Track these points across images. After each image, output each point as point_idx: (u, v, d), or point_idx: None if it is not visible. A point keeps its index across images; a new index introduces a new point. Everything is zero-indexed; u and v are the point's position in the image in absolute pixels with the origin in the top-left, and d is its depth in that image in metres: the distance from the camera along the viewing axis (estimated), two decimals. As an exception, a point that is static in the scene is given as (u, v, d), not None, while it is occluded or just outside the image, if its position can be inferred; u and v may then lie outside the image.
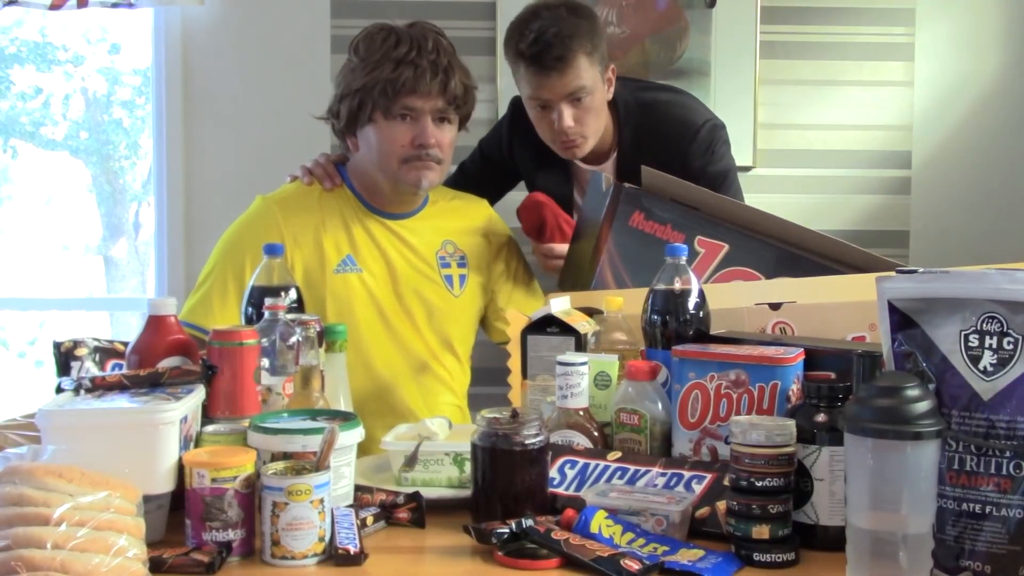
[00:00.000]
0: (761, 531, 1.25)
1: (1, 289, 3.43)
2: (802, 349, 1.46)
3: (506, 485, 1.36)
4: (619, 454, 1.46)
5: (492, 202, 2.28)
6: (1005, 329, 1.14)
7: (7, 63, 3.39)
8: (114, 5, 2.99)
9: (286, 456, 1.31)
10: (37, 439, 1.31)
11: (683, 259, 1.58)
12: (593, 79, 2.11)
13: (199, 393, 1.40)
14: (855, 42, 3.08)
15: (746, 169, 2.95)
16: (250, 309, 1.67)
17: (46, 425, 1.26)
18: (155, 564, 1.19)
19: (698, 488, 1.36)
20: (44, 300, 3.47)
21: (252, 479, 1.27)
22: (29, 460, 1.22)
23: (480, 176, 2.38)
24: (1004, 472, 1.14)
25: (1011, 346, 1.14)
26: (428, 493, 1.45)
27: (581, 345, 1.63)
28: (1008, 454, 1.13)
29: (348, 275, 2.00)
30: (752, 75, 3.05)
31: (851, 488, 1.14)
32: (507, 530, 1.27)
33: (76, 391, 1.36)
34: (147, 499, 1.23)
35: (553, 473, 1.43)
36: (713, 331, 1.57)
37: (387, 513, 1.40)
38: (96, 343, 1.65)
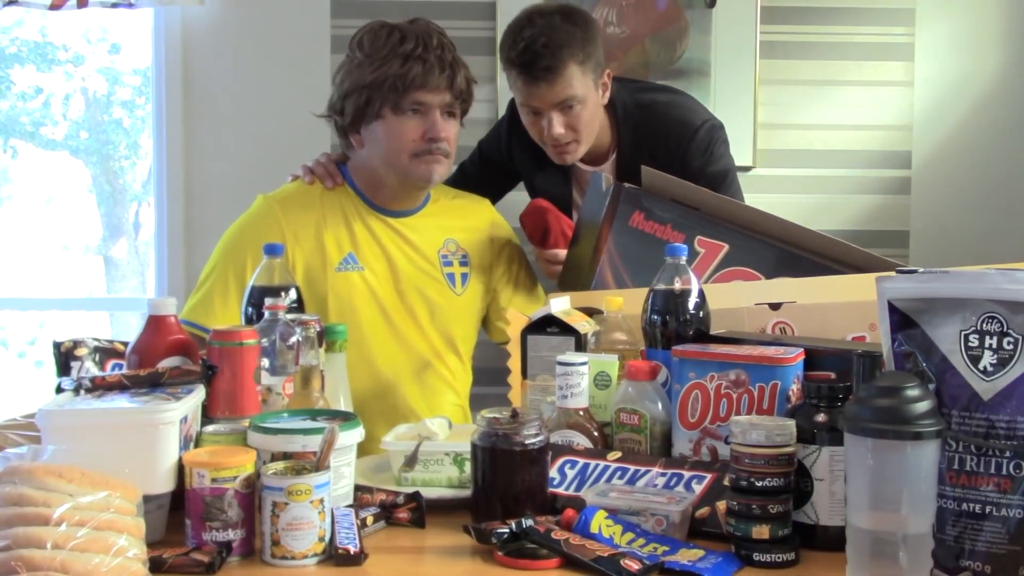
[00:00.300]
0: (761, 531, 1.25)
1: (1, 289, 3.43)
2: (802, 349, 1.46)
3: (506, 485, 1.36)
4: (619, 454, 1.46)
5: (492, 203, 2.28)
6: (1005, 329, 1.14)
7: (7, 63, 3.39)
8: (114, 5, 2.99)
9: (286, 456, 1.31)
10: (37, 439, 1.31)
11: (683, 259, 1.58)
12: (584, 88, 2.10)
13: (199, 393, 1.40)
14: (855, 42, 3.08)
15: (746, 169, 2.95)
16: (250, 309, 1.67)
17: (46, 425, 1.26)
18: (155, 564, 1.19)
19: (698, 488, 1.36)
20: (44, 300, 3.47)
21: (252, 479, 1.27)
22: (29, 460, 1.22)
23: (480, 177, 2.38)
24: (1004, 472, 1.14)
25: (1011, 346, 1.14)
26: (428, 493, 1.45)
27: (581, 345, 1.63)
28: (1008, 454, 1.13)
29: (350, 273, 2.00)
30: (752, 75, 3.05)
31: (851, 488, 1.14)
32: (507, 530, 1.27)
33: (76, 391, 1.36)
34: (147, 499, 1.23)
35: (553, 473, 1.43)
36: (713, 331, 1.57)
37: (387, 513, 1.40)
38: (96, 343, 1.65)
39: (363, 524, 1.34)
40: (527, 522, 1.28)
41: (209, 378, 1.44)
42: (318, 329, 1.58)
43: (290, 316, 1.57)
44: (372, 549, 1.28)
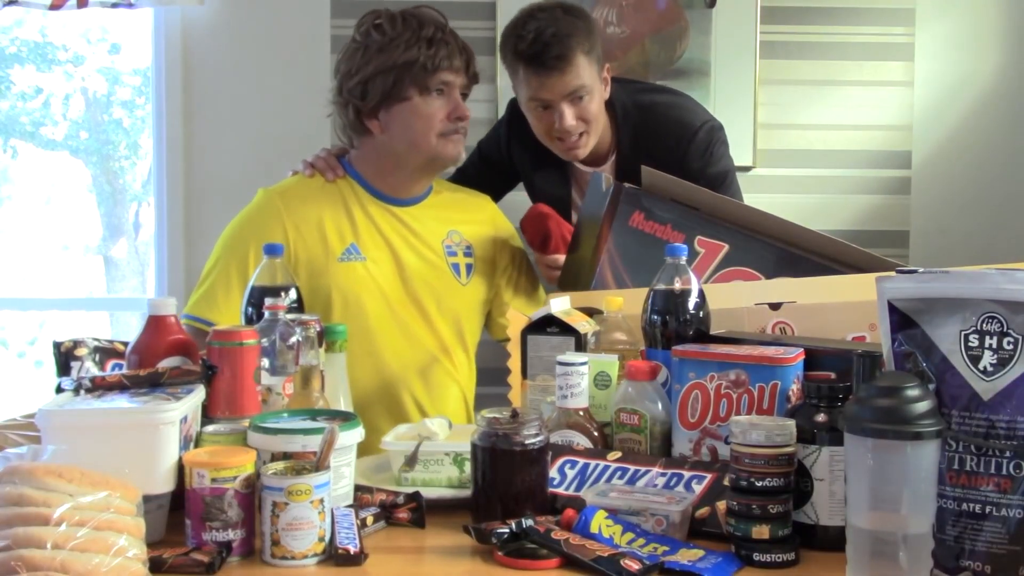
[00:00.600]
0: (761, 531, 1.25)
1: (1, 289, 3.43)
2: (802, 349, 1.46)
3: (506, 485, 1.36)
4: (619, 454, 1.46)
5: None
6: (1005, 329, 1.14)
7: (7, 63, 3.39)
8: (114, 5, 2.99)
9: (286, 456, 1.31)
10: (37, 439, 1.31)
11: (683, 259, 1.58)
12: (592, 78, 2.11)
13: (199, 393, 1.40)
14: (855, 42, 3.08)
15: (746, 169, 2.95)
16: (250, 309, 1.67)
17: (46, 425, 1.26)
18: (155, 564, 1.19)
19: (698, 488, 1.36)
20: (44, 300, 3.47)
21: (252, 479, 1.27)
22: (29, 460, 1.22)
23: (479, 177, 2.38)
24: (1004, 472, 1.14)
25: (1011, 346, 1.14)
26: (428, 493, 1.45)
27: (581, 345, 1.63)
28: (1008, 454, 1.13)
29: (353, 264, 2.00)
30: (752, 75, 3.05)
31: (851, 488, 1.14)
32: (507, 530, 1.27)
33: (76, 391, 1.36)
34: (147, 499, 1.24)
35: (553, 473, 1.43)
36: (713, 331, 1.57)
37: (387, 513, 1.40)
38: (96, 343, 1.65)
39: (363, 524, 1.34)
40: (527, 522, 1.28)
41: (209, 378, 1.44)
42: (318, 329, 1.58)
43: (290, 316, 1.57)
44: (372, 549, 1.28)
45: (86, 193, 3.54)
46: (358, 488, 1.44)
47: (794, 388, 1.42)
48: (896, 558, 1.11)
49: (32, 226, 3.51)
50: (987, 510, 1.15)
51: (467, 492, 1.43)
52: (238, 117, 3.06)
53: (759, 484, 1.25)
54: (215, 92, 3.05)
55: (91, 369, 1.60)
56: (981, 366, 1.15)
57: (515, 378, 1.71)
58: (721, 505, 1.31)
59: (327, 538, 1.26)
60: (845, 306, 1.63)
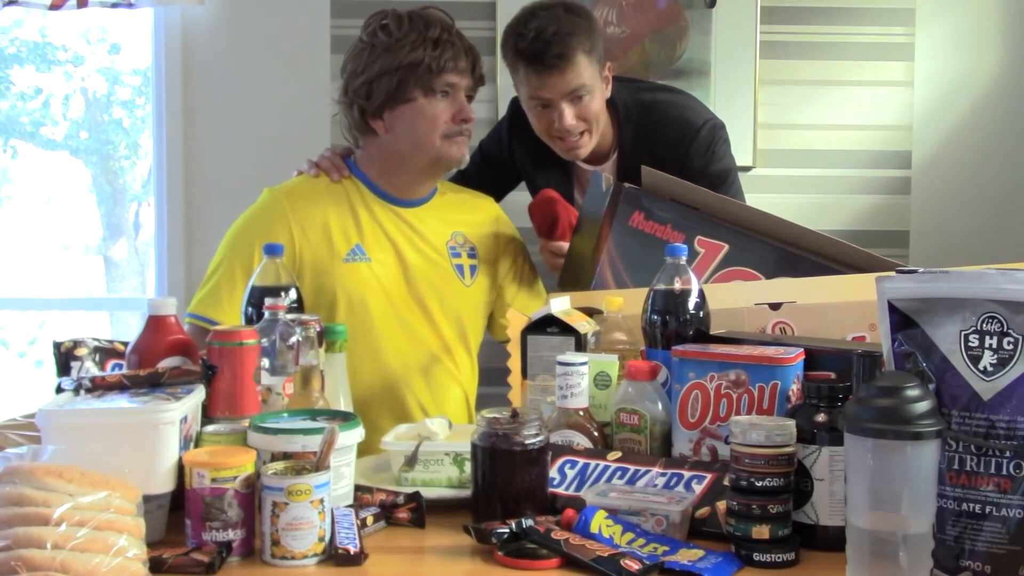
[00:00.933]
0: (761, 531, 1.25)
1: (1, 289, 3.43)
2: (802, 349, 1.46)
3: (506, 485, 1.36)
4: (619, 454, 1.46)
5: (494, 202, 2.28)
6: (1005, 329, 1.14)
7: (7, 63, 3.39)
8: (114, 5, 2.99)
9: (286, 456, 1.31)
10: (37, 439, 1.31)
11: (683, 259, 1.58)
12: (592, 77, 2.11)
13: (199, 393, 1.40)
14: (855, 42, 3.08)
15: (746, 169, 2.95)
16: (250, 309, 1.67)
17: (46, 425, 1.26)
18: (155, 564, 1.19)
19: (698, 488, 1.36)
20: (44, 300, 3.47)
21: (252, 479, 1.27)
22: (29, 460, 1.22)
23: (481, 177, 2.37)
24: (1004, 472, 1.14)
25: (1011, 346, 1.14)
26: (428, 493, 1.45)
27: (581, 345, 1.63)
28: (1008, 454, 1.13)
29: (358, 264, 2.00)
30: (752, 75, 3.05)
31: (851, 488, 1.14)
32: (507, 530, 1.27)
33: (76, 391, 1.36)
34: (147, 499, 1.24)
35: (553, 473, 1.43)
36: (713, 331, 1.57)
37: (387, 513, 1.40)
38: (96, 343, 1.65)
39: (363, 524, 1.34)
40: (527, 522, 1.28)
41: (209, 378, 1.44)
42: (318, 329, 1.58)
43: (290, 316, 1.57)
44: (372, 549, 1.28)
45: (86, 193, 3.54)
46: (358, 488, 1.44)
47: (794, 388, 1.42)
48: (896, 558, 1.11)
49: (32, 226, 3.51)
50: (987, 510, 1.15)
51: (467, 492, 1.43)
52: (238, 117, 3.06)
53: (759, 484, 1.25)
54: (215, 92, 3.05)
55: (91, 369, 1.60)
56: (981, 366, 1.15)
57: (515, 378, 1.71)
58: (721, 505, 1.31)
59: (327, 538, 1.26)
60: (845, 306, 1.63)
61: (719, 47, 3.04)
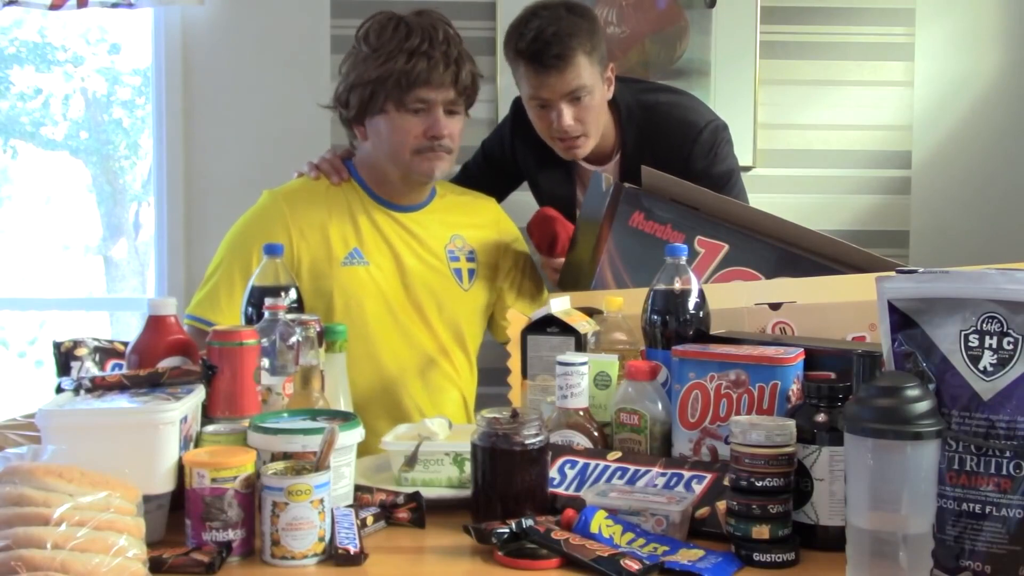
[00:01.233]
0: (761, 531, 1.25)
1: (1, 289, 3.43)
2: (802, 349, 1.46)
3: (506, 485, 1.36)
4: (619, 454, 1.46)
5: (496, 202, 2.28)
6: (1005, 329, 1.14)
7: (7, 63, 3.39)
8: (114, 5, 2.99)
9: (286, 456, 1.31)
10: (37, 439, 1.31)
11: (683, 259, 1.58)
12: (592, 78, 2.11)
13: (199, 393, 1.40)
14: (855, 42, 3.08)
15: (746, 169, 2.94)
16: (250, 309, 1.67)
17: (46, 425, 1.26)
18: (155, 564, 1.19)
19: (698, 488, 1.36)
20: (44, 300, 3.47)
21: (252, 479, 1.27)
22: (29, 460, 1.22)
23: (483, 177, 2.38)
24: (1004, 472, 1.14)
25: (1011, 346, 1.14)
26: (428, 493, 1.45)
27: (581, 345, 1.63)
28: (1008, 454, 1.13)
29: (355, 268, 2.00)
30: (752, 75, 3.05)
31: (851, 488, 1.14)
32: (507, 530, 1.27)
33: (76, 391, 1.36)
34: (147, 499, 1.24)
35: (553, 473, 1.43)
36: (713, 331, 1.57)
37: (387, 513, 1.40)
38: (96, 343, 1.65)
39: (363, 524, 1.34)
40: (527, 522, 1.28)
41: (209, 378, 1.44)
42: (318, 329, 1.58)
43: (290, 316, 1.57)
44: (372, 549, 1.28)
45: (86, 193, 3.53)
46: (358, 488, 1.44)
47: (794, 388, 1.42)
48: (896, 558, 1.11)
49: (32, 226, 3.51)
50: (987, 510, 1.15)
51: (467, 492, 1.43)
52: (238, 117, 3.06)
53: (759, 484, 1.25)
54: (215, 92, 3.05)
55: (91, 369, 1.60)
56: (981, 366, 1.15)
57: (515, 378, 1.71)
58: (721, 505, 1.31)
59: (327, 538, 1.26)
60: (845, 306, 1.63)
61: (719, 47, 3.04)
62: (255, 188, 2.11)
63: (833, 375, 1.41)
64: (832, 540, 1.25)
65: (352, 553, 1.24)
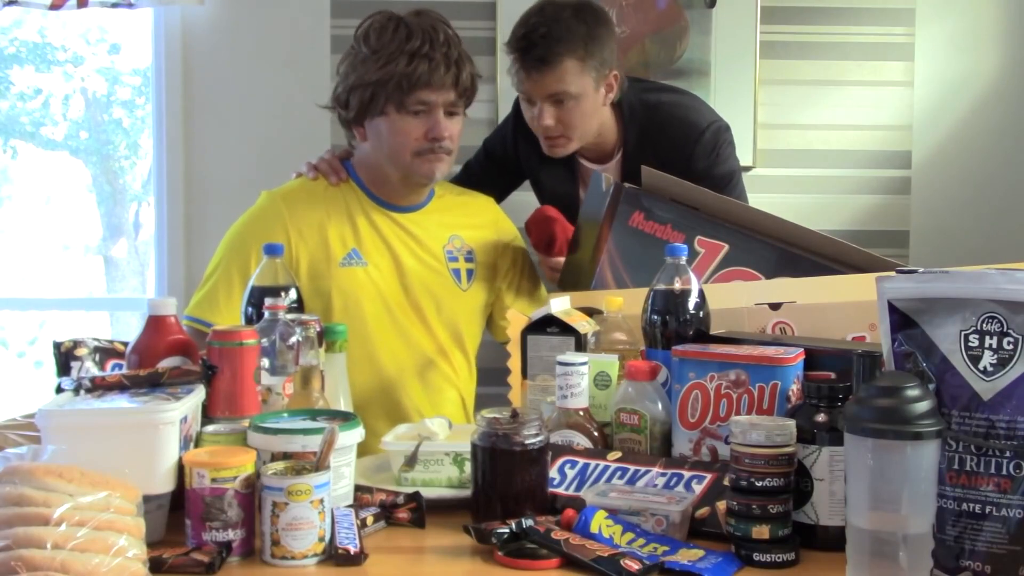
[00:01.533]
0: (761, 531, 1.25)
1: (1, 289, 3.43)
2: (802, 349, 1.46)
3: (506, 485, 1.36)
4: (619, 454, 1.46)
5: (498, 201, 2.27)
6: (1005, 329, 1.14)
7: (7, 63, 3.39)
8: (114, 5, 2.99)
9: (286, 456, 1.31)
10: (37, 439, 1.31)
11: (683, 259, 1.58)
12: (580, 86, 2.09)
13: (199, 393, 1.40)
14: (855, 42, 3.08)
15: (746, 169, 2.94)
16: (250, 309, 1.67)
17: (46, 425, 1.26)
18: (155, 564, 1.19)
19: (698, 488, 1.36)
20: (44, 300, 3.47)
21: (252, 479, 1.27)
22: (29, 460, 1.22)
23: (485, 175, 2.38)
24: (1004, 472, 1.14)
25: (1011, 346, 1.14)
26: (428, 493, 1.45)
27: (581, 345, 1.63)
28: (1008, 454, 1.13)
29: (354, 269, 2.00)
30: (752, 75, 3.05)
31: (851, 488, 1.14)
32: (507, 530, 1.27)
33: (76, 391, 1.36)
34: (147, 499, 1.23)
35: (553, 473, 1.43)
36: (713, 331, 1.57)
37: (387, 513, 1.40)
38: (96, 343, 1.65)
39: (363, 524, 1.34)
40: (527, 522, 1.28)
41: (209, 378, 1.44)
42: (318, 329, 1.58)
43: (290, 316, 1.57)
44: (372, 549, 1.28)
45: (86, 193, 3.54)
46: (358, 488, 1.44)
47: (794, 388, 1.42)
48: (896, 558, 1.11)
49: (32, 226, 3.51)
50: (987, 510, 1.15)
51: (467, 492, 1.43)
52: (238, 117, 3.06)
53: (759, 484, 1.25)
54: (215, 92, 3.05)
55: (91, 369, 1.60)
56: (981, 366, 1.15)
57: (515, 378, 1.71)
58: (721, 505, 1.31)
59: (327, 538, 1.26)
60: (845, 306, 1.63)
61: (719, 47, 3.04)
62: (255, 188, 2.11)
63: (833, 375, 1.41)
64: (832, 540, 1.25)
65: (352, 553, 1.24)
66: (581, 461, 1.45)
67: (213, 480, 1.25)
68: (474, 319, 2.12)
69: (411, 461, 1.53)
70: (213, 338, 1.47)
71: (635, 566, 1.18)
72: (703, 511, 1.33)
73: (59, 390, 1.40)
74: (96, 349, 1.64)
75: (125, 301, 3.48)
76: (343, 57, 2.03)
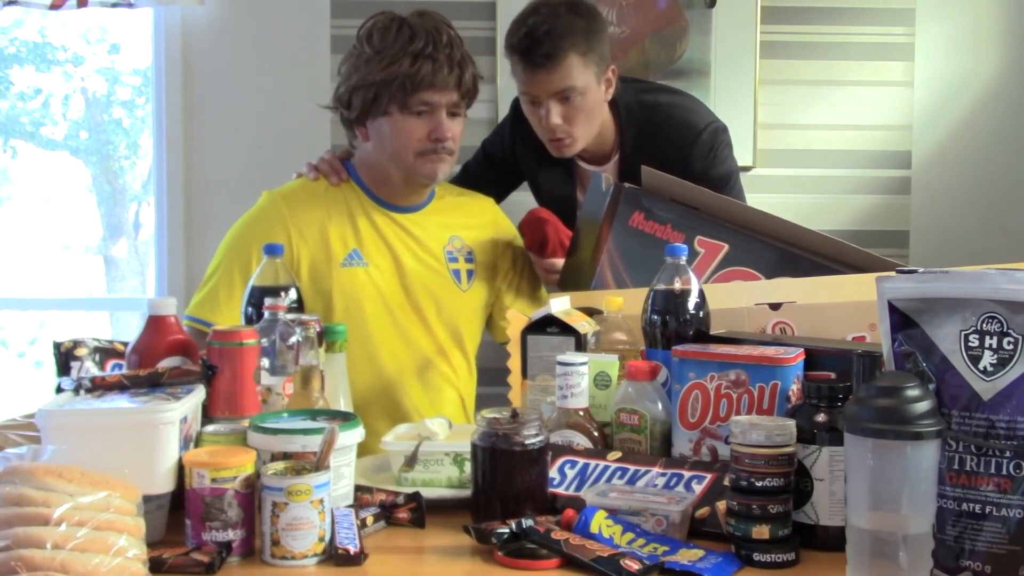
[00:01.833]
0: (761, 531, 1.25)
1: (1, 289, 3.43)
2: (802, 349, 1.46)
3: (506, 485, 1.36)
4: (619, 454, 1.46)
5: (497, 202, 2.27)
6: (1005, 329, 1.14)
7: (7, 63, 3.39)
8: (114, 5, 2.99)
9: (286, 456, 1.31)
10: (37, 439, 1.31)
11: (683, 259, 1.58)
12: (585, 80, 2.10)
13: (199, 393, 1.40)
14: (855, 42, 3.08)
15: (746, 169, 2.95)
16: (250, 309, 1.67)
17: (46, 425, 1.26)
18: (155, 564, 1.19)
19: (698, 488, 1.36)
20: (44, 300, 3.47)
21: (252, 479, 1.27)
22: (29, 460, 1.22)
23: (484, 176, 2.38)
24: (1004, 472, 1.14)
25: (1011, 346, 1.14)
26: (428, 493, 1.45)
27: (581, 345, 1.62)
28: (1008, 454, 1.13)
29: (355, 269, 2.00)
30: (752, 75, 3.05)
31: (851, 488, 1.14)
32: (507, 530, 1.27)
33: (76, 391, 1.36)
34: (147, 499, 1.23)
35: (553, 473, 1.43)
36: (713, 331, 1.57)
37: (387, 513, 1.40)
38: (96, 343, 1.65)
39: (363, 524, 1.34)
40: (527, 522, 1.28)
41: (209, 378, 1.44)
42: (318, 329, 1.58)
43: (290, 316, 1.57)
44: (372, 549, 1.28)
45: (86, 193, 3.54)
46: (358, 488, 1.44)
47: (794, 388, 1.42)
48: (896, 558, 1.11)
49: (32, 226, 3.51)
50: (987, 510, 1.15)
51: (467, 492, 1.43)
52: (238, 117, 3.06)
53: (759, 484, 1.25)
54: (215, 92, 3.06)
55: (91, 369, 1.60)
56: (981, 366, 1.15)
57: (515, 378, 1.71)
58: (721, 505, 1.31)
59: (327, 538, 1.25)
60: (845, 306, 1.63)
61: (719, 47, 3.04)
62: (255, 188, 2.11)
63: (833, 375, 1.41)
64: (832, 540, 1.25)
65: (352, 553, 1.24)
66: (581, 461, 1.45)
67: (213, 480, 1.25)
68: (474, 319, 2.13)
69: (411, 461, 1.53)
70: (213, 338, 1.47)
71: (635, 566, 1.18)
72: (703, 511, 1.33)
73: (59, 390, 1.40)
74: (96, 349, 1.64)
75: (125, 301, 3.48)
76: (345, 57, 2.03)
